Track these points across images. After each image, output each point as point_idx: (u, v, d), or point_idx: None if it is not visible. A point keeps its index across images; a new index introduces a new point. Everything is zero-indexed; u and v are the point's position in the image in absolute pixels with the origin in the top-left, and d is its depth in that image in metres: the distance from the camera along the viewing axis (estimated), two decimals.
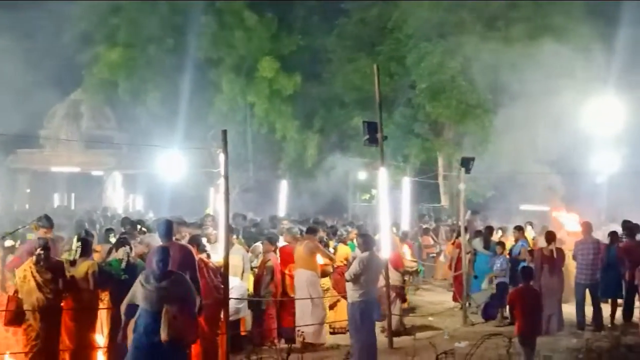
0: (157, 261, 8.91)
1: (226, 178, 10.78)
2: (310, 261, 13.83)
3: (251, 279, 13.81)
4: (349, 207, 33.52)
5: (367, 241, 12.06)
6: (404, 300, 15.81)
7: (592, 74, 25.93)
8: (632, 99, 26.85)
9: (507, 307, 12.65)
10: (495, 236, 18.66)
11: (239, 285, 12.66)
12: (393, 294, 14.55)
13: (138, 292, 8.87)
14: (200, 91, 33.60)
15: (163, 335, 8.48)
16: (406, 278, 16.00)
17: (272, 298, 13.39)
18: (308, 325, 13.39)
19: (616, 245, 15.79)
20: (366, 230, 17.66)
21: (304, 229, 15.88)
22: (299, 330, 13.45)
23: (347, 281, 11.69)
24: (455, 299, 17.84)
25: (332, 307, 14.70)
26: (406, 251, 17.42)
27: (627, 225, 16.44)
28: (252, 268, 13.98)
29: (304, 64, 35.35)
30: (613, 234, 16.09)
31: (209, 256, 11.92)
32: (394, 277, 14.75)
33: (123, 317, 9.02)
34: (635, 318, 15.24)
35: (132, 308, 8.89)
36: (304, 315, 13.54)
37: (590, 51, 26.23)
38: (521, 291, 11.52)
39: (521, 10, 31.06)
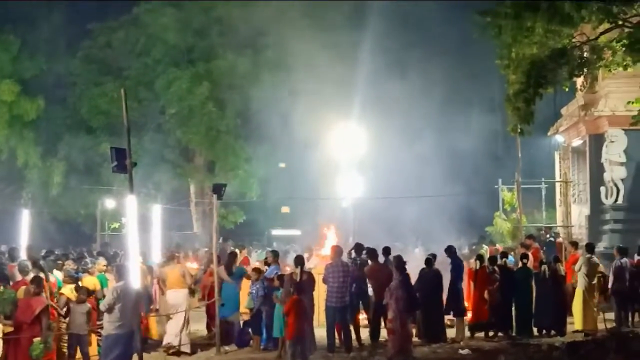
0: None
1: None
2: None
3: None
4: (97, 237, 32.33)
5: (121, 271, 11.97)
6: None
7: (340, 102, 26.95)
8: (373, 127, 28.17)
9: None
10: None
11: None
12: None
13: None
14: None
15: None
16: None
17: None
18: None
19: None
20: (118, 260, 17.12)
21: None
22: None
23: (102, 312, 11.52)
24: (208, 328, 17.59)
25: None
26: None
27: (369, 249, 17.14)
28: None
29: (47, 87, 33.77)
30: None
31: None
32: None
33: None
34: (382, 338, 15.76)
35: None
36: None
37: (336, 78, 27.25)
38: (294, 302, 13.18)
39: (270, 38, 31.73)
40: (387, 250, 17.41)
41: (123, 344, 11.24)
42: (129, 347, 11.39)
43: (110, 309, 11.25)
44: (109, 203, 33.62)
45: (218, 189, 16.98)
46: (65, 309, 13.41)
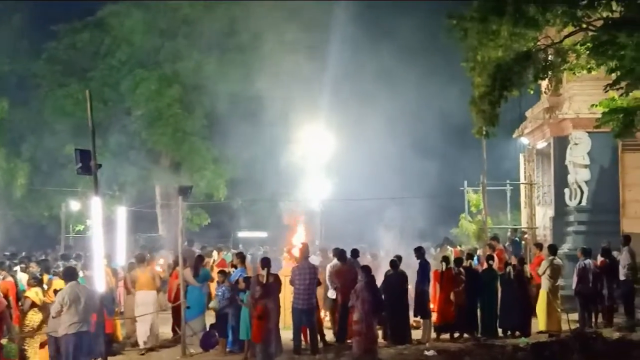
0: None
1: None
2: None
3: None
4: (61, 239, 31.95)
5: (67, 273, 12.35)
6: None
7: (307, 103, 26.94)
8: (340, 129, 28.20)
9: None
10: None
11: None
12: None
13: None
14: None
15: None
16: None
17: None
18: None
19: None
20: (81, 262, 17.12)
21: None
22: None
23: (54, 317, 11.73)
24: (174, 330, 17.48)
25: (43, 345, 13.75)
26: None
27: (337, 250, 17.20)
28: None
29: (10, 88, 33.32)
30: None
31: None
32: None
33: None
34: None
35: None
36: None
37: (304, 80, 27.25)
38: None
39: (237, 39, 31.65)
40: (354, 253, 17.50)
41: (78, 343, 11.38)
42: (85, 346, 11.50)
43: (59, 313, 11.43)
44: (74, 205, 33.28)
45: (184, 191, 16.90)
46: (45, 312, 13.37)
